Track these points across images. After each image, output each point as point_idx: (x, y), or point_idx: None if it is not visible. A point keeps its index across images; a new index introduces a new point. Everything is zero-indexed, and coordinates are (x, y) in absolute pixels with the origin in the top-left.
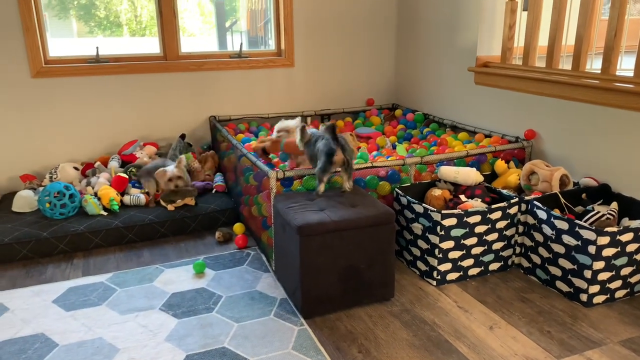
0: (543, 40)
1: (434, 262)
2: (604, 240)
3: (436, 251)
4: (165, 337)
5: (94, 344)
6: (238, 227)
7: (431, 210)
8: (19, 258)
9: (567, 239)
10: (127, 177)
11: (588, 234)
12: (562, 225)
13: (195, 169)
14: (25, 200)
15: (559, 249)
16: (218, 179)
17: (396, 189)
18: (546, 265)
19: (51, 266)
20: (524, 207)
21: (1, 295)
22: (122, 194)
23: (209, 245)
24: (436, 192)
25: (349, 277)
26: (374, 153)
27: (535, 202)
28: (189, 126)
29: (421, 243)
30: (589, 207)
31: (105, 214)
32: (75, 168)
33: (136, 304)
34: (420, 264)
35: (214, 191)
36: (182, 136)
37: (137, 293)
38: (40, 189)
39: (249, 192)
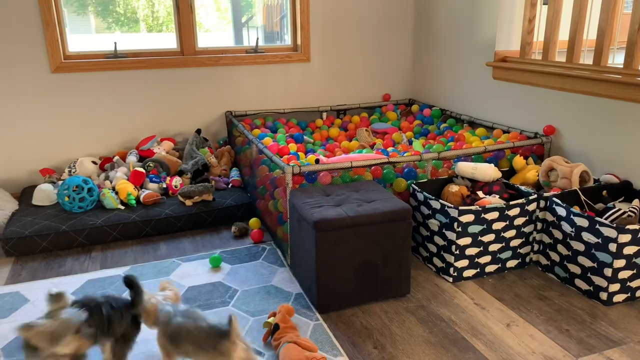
0: (563, 34)
1: (450, 258)
2: (625, 238)
3: (453, 248)
4: None
5: None
6: (254, 222)
7: (448, 207)
8: (39, 250)
9: (587, 236)
10: (144, 172)
11: (609, 232)
12: (582, 222)
13: (212, 164)
14: (44, 194)
15: (578, 246)
16: (234, 174)
17: (412, 185)
18: (565, 262)
19: (70, 259)
20: (542, 203)
21: (22, 287)
22: (141, 188)
23: (225, 239)
24: (453, 188)
25: (365, 272)
26: (390, 149)
27: (555, 199)
28: (205, 121)
29: (438, 239)
30: (610, 205)
31: (123, 208)
32: (94, 162)
33: None
34: (436, 261)
35: (230, 186)
36: (198, 131)
37: (154, 286)
38: (60, 182)
39: (266, 187)
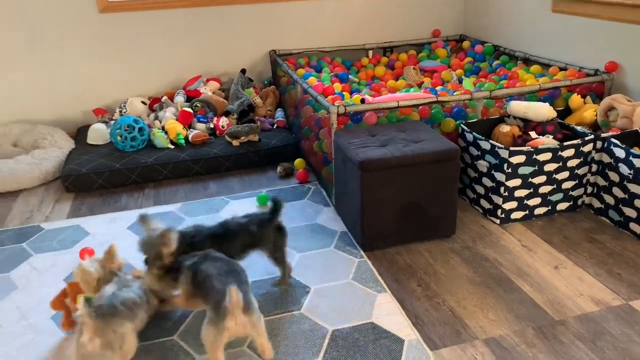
0: None
1: (498, 200)
2: None
3: (502, 189)
4: None
5: None
6: (299, 163)
7: (498, 147)
8: (96, 187)
9: None
10: (192, 112)
11: None
12: None
13: (257, 105)
14: (98, 133)
15: (636, 189)
16: (279, 115)
17: (462, 125)
18: (620, 206)
19: (125, 195)
20: (599, 144)
21: (82, 221)
22: (189, 128)
23: (271, 179)
24: (504, 128)
25: (410, 212)
26: (439, 88)
27: (613, 140)
28: (250, 61)
29: (486, 181)
30: None
31: (173, 147)
32: (143, 102)
33: None
34: (483, 202)
35: (275, 127)
36: (243, 71)
37: (205, 222)
38: (112, 122)
39: (311, 128)
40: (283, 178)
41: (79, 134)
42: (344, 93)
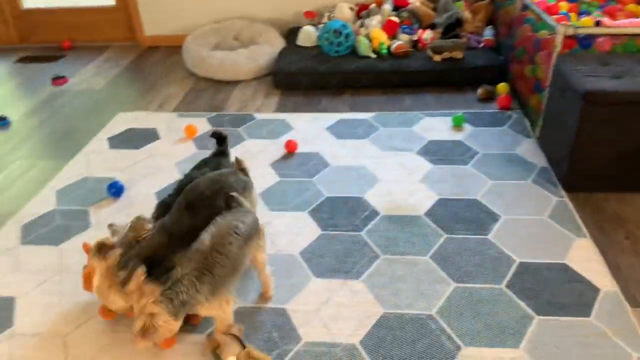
0: None
1: None
2: None
3: None
4: (420, 179)
5: (358, 171)
6: (502, 87)
7: None
8: (300, 87)
9: None
10: (398, 21)
11: None
12: None
13: (466, 20)
14: (307, 35)
15: None
16: (488, 33)
17: None
18: None
19: (325, 98)
20: None
21: (287, 116)
22: (392, 38)
23: (469, 100)
24: None
25: (633, 157)
26: None
27: None
28: None
29: None
30: None
31: (374, 56)
32: (351, 8)
33: (395, 143)
34: None
35: (481, 45)
36: None
37: (396, 134)
38: (320, 26)
39: (527, 49)
40: (482, 101)
41: (290, 34)
42: (570, 14)
